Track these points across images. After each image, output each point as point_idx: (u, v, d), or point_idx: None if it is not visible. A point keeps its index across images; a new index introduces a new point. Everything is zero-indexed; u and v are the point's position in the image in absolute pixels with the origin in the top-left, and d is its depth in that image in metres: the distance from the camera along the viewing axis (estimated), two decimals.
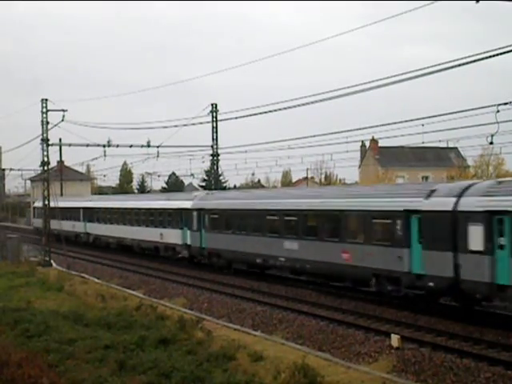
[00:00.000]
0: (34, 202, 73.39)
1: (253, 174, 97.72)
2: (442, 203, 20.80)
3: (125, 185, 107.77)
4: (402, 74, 23.85)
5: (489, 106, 24.78)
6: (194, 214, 36.65)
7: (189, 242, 37.46)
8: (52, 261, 43.35)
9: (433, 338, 18.97)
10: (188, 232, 37.50)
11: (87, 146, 45.20)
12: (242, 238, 32.04)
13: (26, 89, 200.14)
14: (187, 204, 37.85)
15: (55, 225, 55.61)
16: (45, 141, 43.47)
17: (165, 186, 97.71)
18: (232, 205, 33.80)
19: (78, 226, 56.42)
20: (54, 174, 57.19)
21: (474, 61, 20.87)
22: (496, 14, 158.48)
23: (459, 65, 21.39)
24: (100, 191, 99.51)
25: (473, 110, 26.17)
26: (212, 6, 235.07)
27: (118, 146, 44.99)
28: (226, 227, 33.78)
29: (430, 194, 21.64)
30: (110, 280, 34.73)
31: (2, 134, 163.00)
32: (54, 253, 45.56)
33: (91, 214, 53.93)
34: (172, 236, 39.37)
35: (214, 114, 45.45)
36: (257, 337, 20.30)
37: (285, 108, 33.56)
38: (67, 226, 56.29)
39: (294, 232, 28.35)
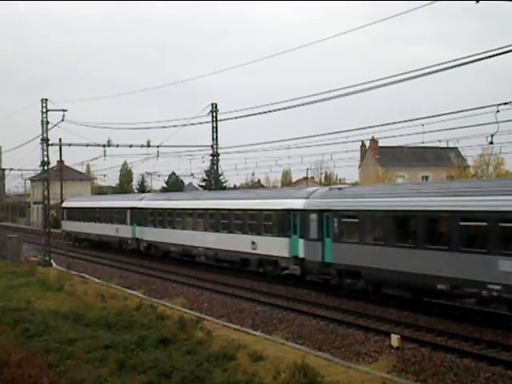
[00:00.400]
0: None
1: (253, 174, 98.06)
2: None
3: (125, 185, 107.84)
4: (402, 73, 23.95)
5: (489, 106, 24.86)
6: (313, 216, 27.10)
7: (301, 255, 28.00)
8: (52, 261, 43.34)
9: (433, 337, 18.97)
10: (300, 241, 28.09)
11: (87, 145, 45.30)
12: (407, 252, 22.13)
13: (26, 89, 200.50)
14: (298, 203, 28.40)
15: (88, 228, 52.12)
16: (45, 141, 43.49)
17: (165, 185, 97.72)
18: (388, 204, 23.46)
19: (124, 230, 46.12)
20: (53, 174, 57.20)
21: (474, 61, 20.93)
22: (496, 14, 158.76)
23: (459, 65, 21.46)
24: (100, 191, 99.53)
25: (473, 109, 26.24)
26: (212, 6, 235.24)
27: (117, 145, 45.11)
28: (372, 236, 24.33)
29: None
30: (109, 280, 34.72)
31: (2, 134, 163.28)
32: (54, 253, 45.59)
33: (143, 216, 43.66)
34: (273, 246, 29.84)
35: (214, 113, 45.54)
36: (257, 337, 20.30)
37: (285, 108, 33.71)
38: (107, 229, 48.81)
39: None
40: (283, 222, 29.24)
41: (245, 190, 44.77)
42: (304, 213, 27.84)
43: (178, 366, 15.84)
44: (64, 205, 60.43)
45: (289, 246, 28.70)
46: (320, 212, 26.71)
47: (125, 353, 17.33)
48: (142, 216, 43.92)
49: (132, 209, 45.27)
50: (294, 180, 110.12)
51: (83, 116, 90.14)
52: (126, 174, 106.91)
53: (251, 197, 34.92)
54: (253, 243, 31.37)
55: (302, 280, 28.80)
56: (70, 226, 57.27)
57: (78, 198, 63.63)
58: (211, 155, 47.24)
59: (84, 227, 53.84)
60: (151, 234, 42.55)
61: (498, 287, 18.76)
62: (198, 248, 36.77)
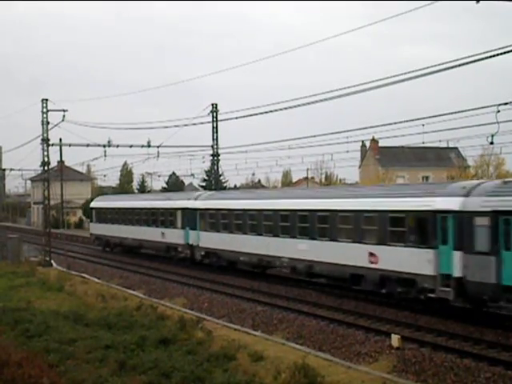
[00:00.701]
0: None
1: (253, 174, 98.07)
2: None
3: (125, 185, 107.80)
4: (402, 74, 23.96)
5: (489, 106, 24.86)
6: (481, 220, 20.07)
7: (457, 273, 20.65)
8: (52, 261, 43.34)
9: (433, 338, 18.99)
10: (455, 254, 20.74)
11: (87, 146, 45.23)
12: None
13: (27, 89, 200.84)
14: (452, 202, 21.14)
15: (124, 231, 46.88)
16: (45, 141, 43.46)
17: (165, 186, 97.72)
18: None
19: (173, 235, 39.79)
20: (54, 174, 57.20)
21: (475, 61, 20.92)
22: (496, 14, 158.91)
23: (459, 65, 21.46)
24: (100, 191, 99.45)
25: (473, 109, 26.26)
26: (212, 6, 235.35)
27: (118, 146, 45.02)
28: None
29: None
30: (110, 280, 34.71)
31: (2, 134, 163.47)
32: (54, 253, 45.59)
33: (200, 218, 36.97)
34: (406, 259, 22.55)
35: (215, 114, 45.54)
36: (257, 337, 20.30)
37: (285, 108, 33.70)
38: (149, 233, 42.79)
39: None
40: (425, 228, 22.02)
41: (352, 185, 33.98)
42: (463, 215, 20.63)
43: (179, 366, 15.84)
44: (93, 205, 54.51)
45: (435, 261, 21.36)
46: (494, 214, 19.63)
47: (125, 353, 17.33)
48: (197, 218, 37.18)
49: (184, 209, 38.63)
50: (294, 180, 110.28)
51: (83, 116, 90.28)
52: (126, 174, 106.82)
53: (365, 194, 26.48)
54: (371, 255, 24.21)
55: (450, 306, 21.44)
56: (100, 228, 51.09)
57: (110, 197, 57.89)
58: (211, 155, 47.25)
59: (118, 230, 47.72)
60: (211, 240, 35.75)
61: None
62: (280, 258, 29.84)
